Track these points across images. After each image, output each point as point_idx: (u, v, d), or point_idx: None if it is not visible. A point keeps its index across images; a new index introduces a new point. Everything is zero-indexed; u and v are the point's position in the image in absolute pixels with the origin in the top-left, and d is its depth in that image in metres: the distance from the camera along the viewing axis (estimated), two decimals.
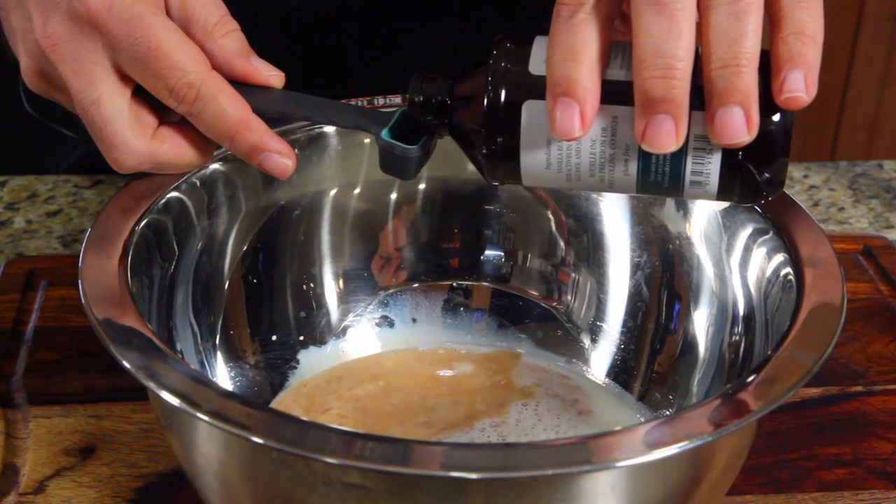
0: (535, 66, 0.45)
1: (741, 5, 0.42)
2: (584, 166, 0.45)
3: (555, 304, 0.59)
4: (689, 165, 0.44)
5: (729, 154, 0.44)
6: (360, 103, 0.55)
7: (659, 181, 0.45)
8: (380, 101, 0.57)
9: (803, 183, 0.80)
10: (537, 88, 0.44)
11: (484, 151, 0.46)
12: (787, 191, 0.52)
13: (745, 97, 0.42)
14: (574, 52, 0.43)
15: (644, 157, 0.45)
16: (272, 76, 0.51)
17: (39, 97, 0.53)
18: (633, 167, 0.45)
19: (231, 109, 0.49)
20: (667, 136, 0.42)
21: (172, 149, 0.51)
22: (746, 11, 0.42)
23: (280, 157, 0.50)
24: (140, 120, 0.50)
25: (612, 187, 0.46)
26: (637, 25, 0.42)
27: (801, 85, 0.42)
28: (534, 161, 0.45)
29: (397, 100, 0.58)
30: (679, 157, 0.44)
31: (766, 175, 0.45)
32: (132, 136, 0.50)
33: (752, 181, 0.45)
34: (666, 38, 0.41)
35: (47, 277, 0.65)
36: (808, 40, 0.43)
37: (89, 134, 0.51)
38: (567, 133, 0.43)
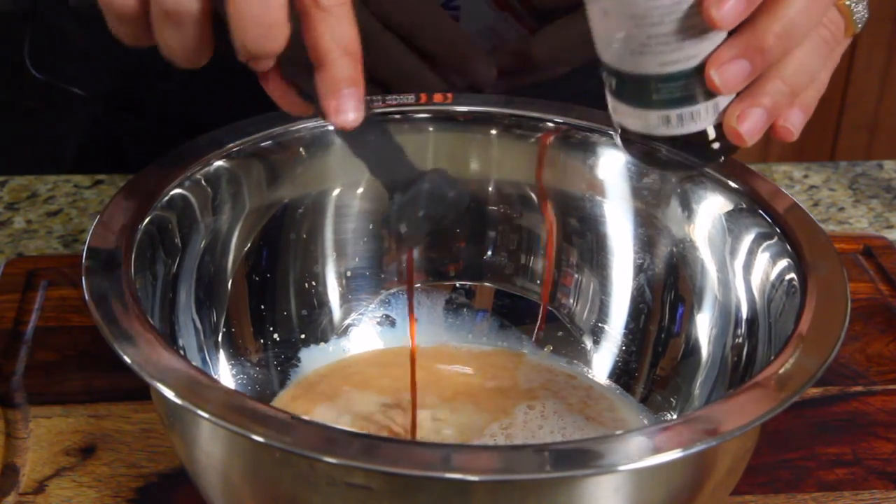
0: None
1: None
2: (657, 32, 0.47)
3: (557, 305, 0.59)
4: (702, 107, 0.48)
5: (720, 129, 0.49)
6: (371, 99, 0.54)
7: (675, 93, 0.48)
8: (394, 99, 0.58)
9: (803, 183, 0.80)
10: None
11: None
12: (787, 191, 0.53)
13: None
14: None
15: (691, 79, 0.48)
16: None
17: (44, 60, 0.51)
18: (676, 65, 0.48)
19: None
20: (735, 80, 0.47)
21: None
22: None
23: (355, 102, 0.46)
24: None
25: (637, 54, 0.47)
26: None
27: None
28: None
29: (411, 98, 0.58)
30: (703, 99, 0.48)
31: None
32: None
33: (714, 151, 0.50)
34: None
35: (47, 277, 0.65)
36: None
37: (96, 90, 0.48)
38: None
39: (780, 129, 0.49)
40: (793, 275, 0.48)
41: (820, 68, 0.50)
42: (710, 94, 0.48)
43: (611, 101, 0.51)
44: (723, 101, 0.49)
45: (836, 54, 0.51)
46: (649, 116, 0.49)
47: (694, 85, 0.48)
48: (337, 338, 0.58)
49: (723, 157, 0.51)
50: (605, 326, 0.58)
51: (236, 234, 0.55)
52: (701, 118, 0.49)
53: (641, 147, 0.52)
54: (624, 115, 0.50)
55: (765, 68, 0.48)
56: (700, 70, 0.47)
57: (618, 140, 0.52)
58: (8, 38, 0.76)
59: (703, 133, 0.49)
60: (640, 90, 0.49)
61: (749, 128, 0.48)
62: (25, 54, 0.75)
